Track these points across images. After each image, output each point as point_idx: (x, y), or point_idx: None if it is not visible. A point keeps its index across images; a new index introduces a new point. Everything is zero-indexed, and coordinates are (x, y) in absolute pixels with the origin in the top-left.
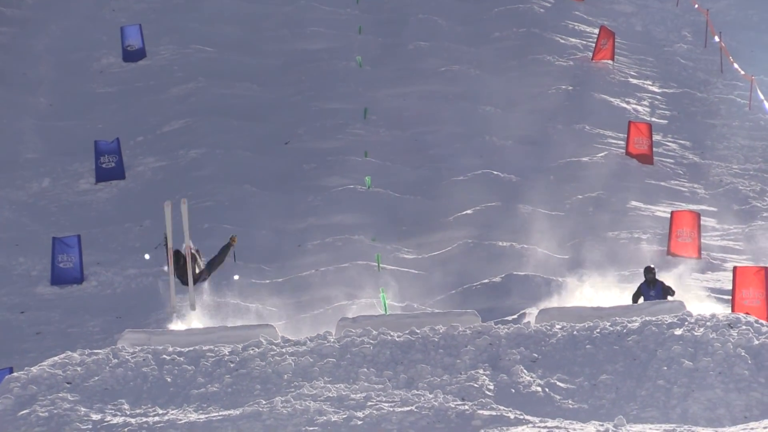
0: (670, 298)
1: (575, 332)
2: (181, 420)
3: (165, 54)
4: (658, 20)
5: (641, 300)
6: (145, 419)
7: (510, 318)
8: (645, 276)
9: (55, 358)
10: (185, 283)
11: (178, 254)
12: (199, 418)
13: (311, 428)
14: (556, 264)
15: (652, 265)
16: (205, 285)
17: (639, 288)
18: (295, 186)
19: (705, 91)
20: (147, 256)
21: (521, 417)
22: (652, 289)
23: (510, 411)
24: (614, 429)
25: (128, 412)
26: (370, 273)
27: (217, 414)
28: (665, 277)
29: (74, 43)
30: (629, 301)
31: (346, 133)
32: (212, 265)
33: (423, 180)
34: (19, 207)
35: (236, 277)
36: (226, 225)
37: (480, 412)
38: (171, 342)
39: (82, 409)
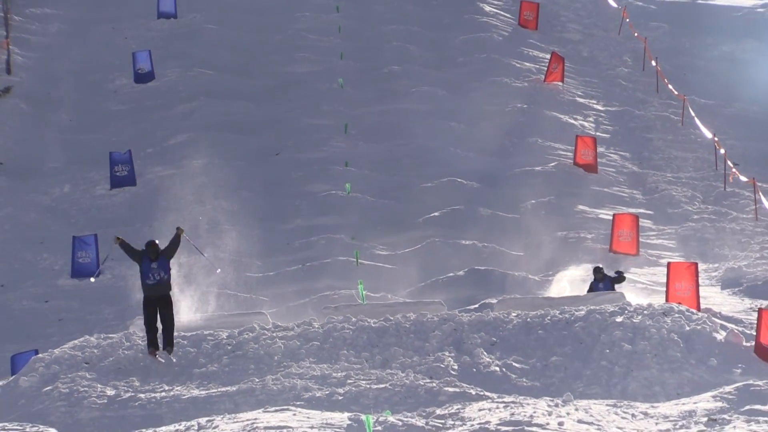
0: (619, 286)
1: (529, 319)
2: (184, 395)
3: (171, 76)
4: (603, 47)
5: None
6: (153, 395)
7: (472, 307)
8: (594, 275)
9: (75, 341)
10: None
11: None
12: (200, 394)
13: (298, 402)
14: (513, 260)
15: (600, 266)
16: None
17: (590, 285)
18: (284, 192)
19: (643, 109)
20: (92, 280)
21: (482, 393)
22: (601, 283)
23: (472, 388)
24: (563, 404)
25: (138, 389)
26: (349, 267)
27: (216, 390)
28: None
29: (92, 66)
30: (577, 293)
31: (329, 145)
32: (166, 254)
33: (396, 186)
34: (43, 210)
35: (218, 270)
36: (226, 225)
37: (446, 389)
38: (176, 328)
39: (98, 385)
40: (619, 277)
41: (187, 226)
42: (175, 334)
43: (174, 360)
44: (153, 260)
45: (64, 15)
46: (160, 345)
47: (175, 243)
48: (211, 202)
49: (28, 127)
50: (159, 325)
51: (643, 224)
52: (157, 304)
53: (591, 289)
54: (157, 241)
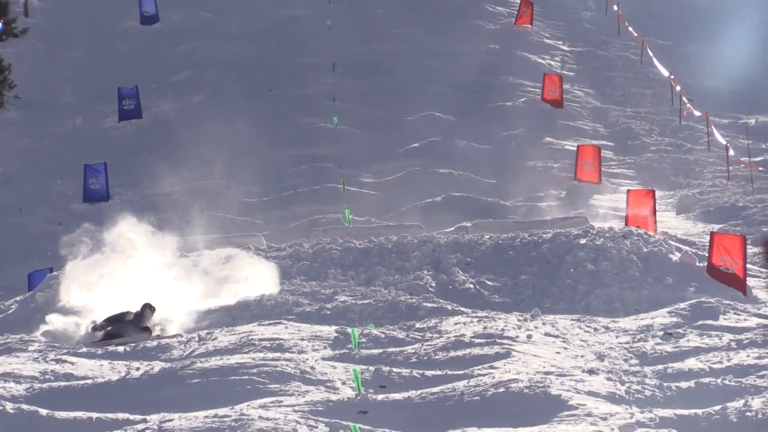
0: None
1: (500, 241)
2: (187, 309)
3: (174, 19)
4: None
5: None
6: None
7: (448, 230)
8: None
9: (86, 259)
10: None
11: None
12: (200, 308)
13: (290, 317)
14: (486, 187)
15: None
16: None
17: None
18: (277, 124)
19: (605, 49)
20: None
21: (457, 309)
22: None
23: (448, 304)
24: (531, 318)
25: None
26: (337, 193)
27: (215, 305)
28: (575, 198)
29: (102, 10)
30: (542, 215)
31: (318, 82)
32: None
33: (379, 120)
34: (58, 140)
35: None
36: (223, 155)
37: (424, 304)
38: (177, 247)
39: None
40: None
41: (189, 156)
42: (177, 253)
43: None
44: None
45: None
46: None
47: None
48: (210, 133)
49: (43, 65)
50: None
51: (604, 155)
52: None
53: None
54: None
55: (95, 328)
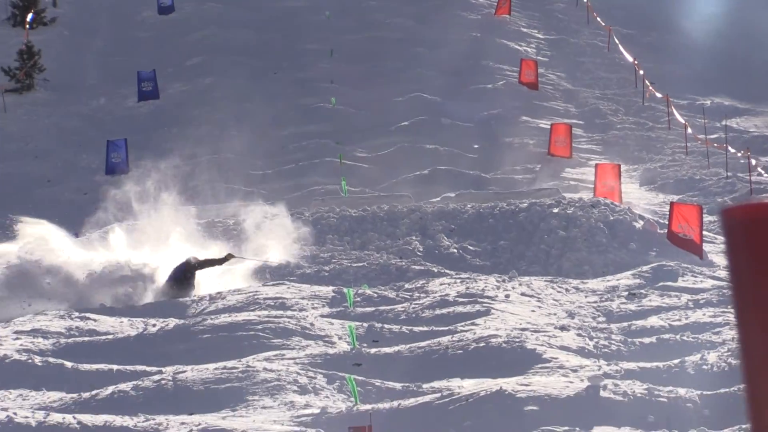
0: None
1: (481, 210)
2: (199, 271)
3: (188, 9)
4: None
5: None
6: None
7: (434, 200)
8: None
9: (108, 226)
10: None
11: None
12: (209, 270)
13: (291, 278)
14: (469, 161)
15: None
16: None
17: None
18: (281, 104)
19: (576, 37)
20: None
21: (442, 271)
22: None
23: (434, 266)
24: (509, 280)
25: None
26: (334, 167)
27: (224, 267)
28: (548, 171)
29: (123, 1)
30: (518, 186)
31: (317, 66)
32: (204, 264)
33: (373, 100)
34: (83, 118)
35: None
36: (232, 131)
37: (413, 267)
38: (190, 215)
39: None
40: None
41: (201, 133)
42: (192, 220)
43: None
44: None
45: None
46: None
47: (218, 262)
48: (220, 112)
49: (70, 51)
50: None
51: (575, 132)
52: None
53: None
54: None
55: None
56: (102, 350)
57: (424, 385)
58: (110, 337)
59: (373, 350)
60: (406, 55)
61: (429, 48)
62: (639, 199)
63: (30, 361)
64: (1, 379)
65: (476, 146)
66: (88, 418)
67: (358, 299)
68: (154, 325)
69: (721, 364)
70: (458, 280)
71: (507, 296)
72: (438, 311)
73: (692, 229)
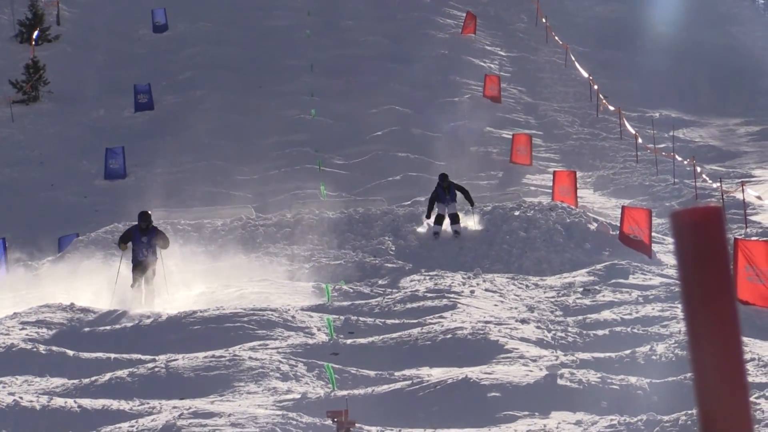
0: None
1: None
2: (188, 269)
3: (181, 28)
4: (505, 7)
5: (437, 204)
6: (164, 267)
7: (406, 203)
8: (441, 182)
9: (107, 227)
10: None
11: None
12: (199, 267)
13: (274, 274)
14: (437, 168)
15: (446, 173)
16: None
17: (435, 191)
18: (265, 115)
19: (535, 54)
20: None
21: (412, 268)
22: (447, 193)
23: (405, 264)
24: (474, 277)
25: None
26: (314, 172)
27: (212, 265)
28: (510, 177)
29: (121, 19)
30: (483, 191)
31: (299, 80)
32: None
33: (349, 112)
34: (84, 128)
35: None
36: (221, 141)
37: (386, 264)
38: (182, 217)
39: (125, 260)
40: (463, 189)
41: (192, 141)
42: (182, 222)
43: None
44: (143, 233)
45: None
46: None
47: (164, 243)
48: (210, 122)
49: (72, 65)
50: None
51: (535, 142)
52: (143, 270)
53: (435, 195)
54: (150, 212)
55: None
56: (101, 340)
57: (396, 373)
58: (108, 328)
59: (349, 341)
60: (380, 71)
61: (401, 64)
62: (593, 203)
63: (35, 349)
64: (8, 366)
65: (444, 154)
66: (87, 402)
67: (336, 294)
68: (148, 317)
69: (669, 354)
70: (427, 277)
71: (472, 292)
72: (409, 305)
73: (642, 230)
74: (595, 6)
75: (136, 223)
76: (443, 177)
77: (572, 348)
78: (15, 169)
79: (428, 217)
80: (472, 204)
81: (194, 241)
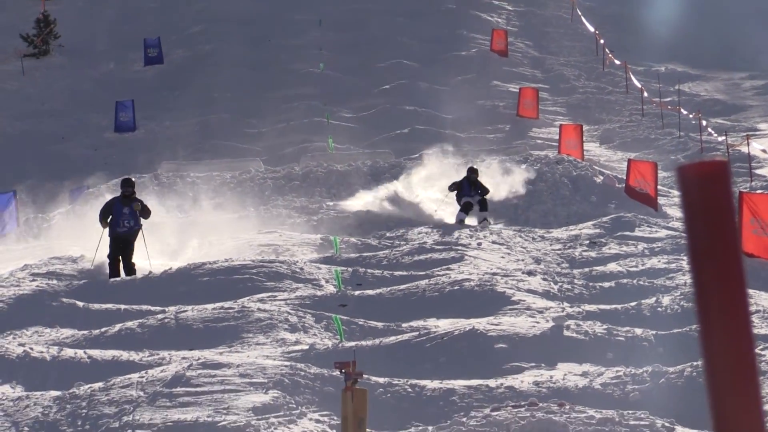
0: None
1: (456, 165)
2: (198, 220)
3: None
4: None
5: (457, 193)
6: (174, 220)
7: (413, 156)
8: (468, 175)
9: (116, 179)
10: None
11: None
12: (209, 219)
13: (283, 226)
14: (444, 121)
15: (476, 168)
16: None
17: (461, 182)
18: (274, 69)
19: (542, 9)
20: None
21: (417, 220)
22: (473, 189)
23: (411, 215)
24: (481, 229)
25: (165, 215)
26: (322, 126)
27: (222, 217)
28: (517, 131)
29: None
30: (490, 144)
31: (307, 34)
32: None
33: (357, 66)
34: (94, 82)
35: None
36: (229, 93)
37: (392, 217)
38: (191, 169)
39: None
40: (486, 190)
41: (201, 95)
42: (192, 174)
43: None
44: (125, 203)
45: None
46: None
47: (146, 213)
48: (219, 76)
49: (83, 20)
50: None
51: (541, 96)
52: (123, 246)
53: (459, 185)
54: (133, 179)
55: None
56: (111, 291)
57: (403, 325)
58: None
59: (357, 292)
60: (387, 25)
61: (409, 18)
62: (599, 156)
63: (45, 301)
64: (18, 318)
65: (451, 108)
66: (97, 353)
67: (344, 246)
68: (158, 268)
69: (675, 306)
70: (434, 229)
71: (479, 244)
72: (416, 257)
73: (648, 183)
74: None
75: (116, 195)
76: (472, 170)
77: (578, 300)
78: (26, 122)
79: (450, 189)
80: (485, 209)
81: (203, 192)
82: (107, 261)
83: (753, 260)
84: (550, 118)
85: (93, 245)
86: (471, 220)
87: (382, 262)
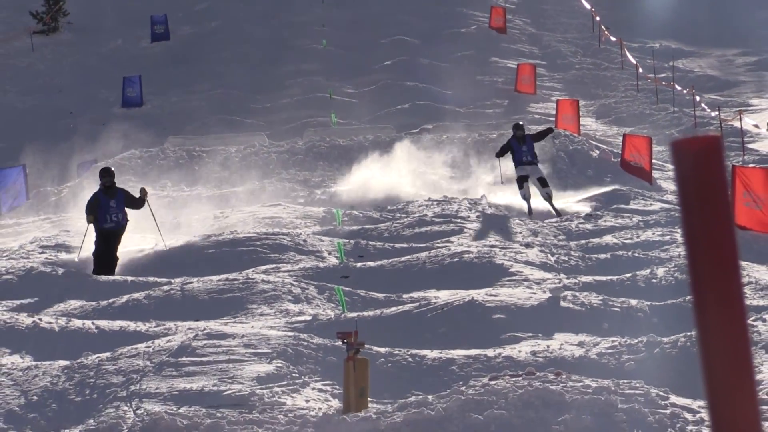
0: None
1: (455, 140)
2: (204, 194)
3: None
4: None
5: (508, 153)
6: (180, 193)
7: (414, 131)
8: (514, 132)
9: (124, 153)
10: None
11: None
12: (215, 193)
13: (286, 199)
14: (444, 96)
15: (521, 122)
16: None
17: (509, 143)
18: (279, 45)
19: None
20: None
21: (420, 194)
22: (523, 144)
23: (413, 189)
24: (479, 201)
25: (171, 188)
26: (325, 101)
27: (227, 190)
28: (515, 106)
29: None
30: (489, 119)
31: (310, 11)
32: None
33: (359, 42)
34: (102, 58)
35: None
36: (236, 69)
37: (393, 190)
38: (198, 143)
39: (140, 185)
40: (545, 131)
41: (207, 70)
42: (198, 149)
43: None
44: (110, 196)
45: None
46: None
47: (140, 201)
48: (224, 52)
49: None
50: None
51: (539, 71)
52: (112, 240)
53: (508, 146)
54: (112, 169)
55: None
56: (119, 263)
57: (404, 296)
58: (125, 251)
59: (359, 264)
60: (388, 2)
61: None
62: (595, 131)
63: (53, 272)
64: (28, 289)
65: (451, 84)
66: (105, 324)
67: (346, 219)
68: (164, 241)
69: (669, 278)
70: (434, 203)
71: (478, 216)
72: (417, 230)
73: (642, 157)
74: None
75: (97, 189)
76: (517, 126)
77: (575, 271)
78: (35, 97)
79: (497, 155)
80: (546, 185)
81: (209, 167)
82: (92, 257)
83: (745, 233)
84: (547, 93)
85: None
86: (536, 200)
87: (383, 234)
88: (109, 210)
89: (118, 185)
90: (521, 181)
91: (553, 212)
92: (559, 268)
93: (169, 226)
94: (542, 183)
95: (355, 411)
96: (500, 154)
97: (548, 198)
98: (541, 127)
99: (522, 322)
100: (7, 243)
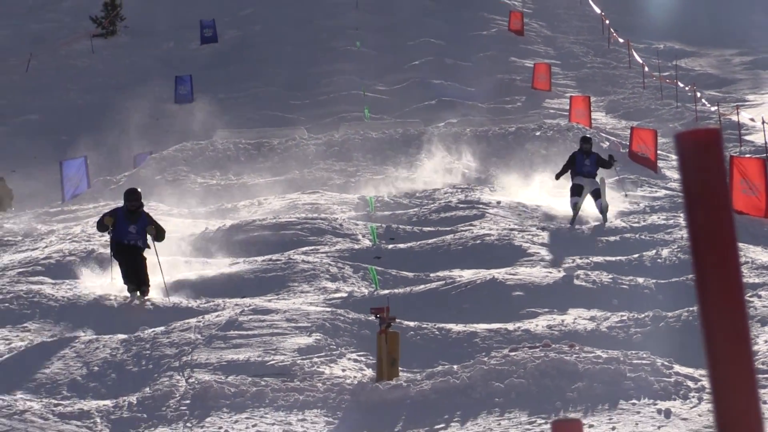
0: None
1: (478, 133)
2: (249, 182)
3: None
4: None
5: (575, 175)
6: (228, 181)
7: (440, 124)
8: (581, 146)
9: (176, 146)
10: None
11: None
12: (259, 181)
13: (324, 187)
14: (467, 93)
15: (589, 136)
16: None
17: (573, 156)
18: (315, 47)
19: None
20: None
21: (446, 182)
22: (587, 158)
23: (439, 179)
24: (493, 189)
25: (220, 177)
26: (358, 98)
27: (270, 179)
28: (532, 102)
29: None
30: (507, 114)
31: (345, 15)
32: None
33: (391, 44)
34: (156, 59)
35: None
36: (276, 69)
37: (422, 179)
38: (243, 137)
39: (191, 175)
40: (609, 161)
41: (252, 70)
42: (243, 141)
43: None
44: (132, 221)
45: None
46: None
47: (161, 236)
48: (267, 52)
49: (146, 3)
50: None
51: (554, 70)
52: (130, 256)
53: (572, 160)
54: (139, 190)
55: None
56: (171, 245)
57: (431, 275)
58: (178, 234)
59: (390, 246)
60: (416, 8)
61: (436, 2)
62: (605, 124)
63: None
64: (89, 269)
65: (473, 81)
66: (159, 300)
67: (378, 205)
68: (214, 225)
69: (673, 258)
70: (459, 191)
71: (498, 203)
72: (443, 215)
73: (649, 148)
74: None
75: (119, 206)
76: (584, 140)
77: (587, 252)
78: (95, 94)
79: (557, 177)
80: (598, 197)
81: (254, 157)
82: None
83: (743, 217)
84: (561, 90)
85: (157, 207)
86: (589, 204)
87: (412, 218)
88: (128, 236)
89: (145, 204)
90: (576, 190)
91: (602, 220)
92: (573, 249)
93: (219, 212)
94: (596, 195)
95: (387, 379)
96: (561, 173)
97: (603, 211)
98: (606, 156)
99: (539, 299)
100: (70, 227)
